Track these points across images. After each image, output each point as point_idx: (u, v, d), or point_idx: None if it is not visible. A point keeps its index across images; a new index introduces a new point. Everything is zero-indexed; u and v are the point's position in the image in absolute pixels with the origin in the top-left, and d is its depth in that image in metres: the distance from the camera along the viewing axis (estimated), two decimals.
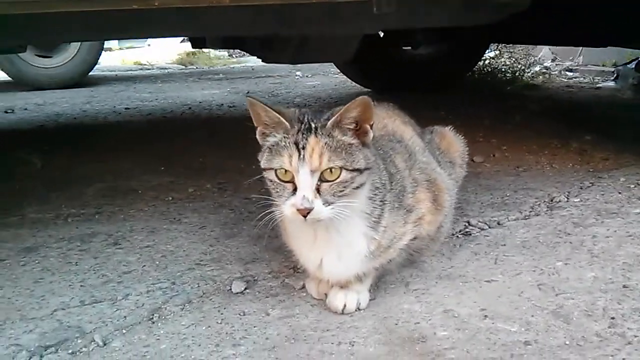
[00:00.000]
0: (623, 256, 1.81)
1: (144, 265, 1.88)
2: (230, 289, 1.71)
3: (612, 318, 1.46)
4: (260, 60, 3.95)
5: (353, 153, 1.38)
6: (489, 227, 2.11)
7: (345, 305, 1.54)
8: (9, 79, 6.68)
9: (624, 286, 1.62)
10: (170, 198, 2.54)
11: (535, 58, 7.19)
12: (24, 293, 1.72)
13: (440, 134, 1.99)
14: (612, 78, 5.74)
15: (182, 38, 14.19)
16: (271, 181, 1.39)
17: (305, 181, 1.33)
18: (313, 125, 1.37)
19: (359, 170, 1.38)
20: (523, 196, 2.43)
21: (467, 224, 2.12)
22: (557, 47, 7.27)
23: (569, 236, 1.99)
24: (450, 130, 2.02)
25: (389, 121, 1.78)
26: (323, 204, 1.34)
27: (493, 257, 1.85)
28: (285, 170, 1.36)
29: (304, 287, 1.70)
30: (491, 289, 1.65)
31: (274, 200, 1.42)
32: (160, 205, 2.46)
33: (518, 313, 1.51)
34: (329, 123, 1.36)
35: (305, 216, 1.33)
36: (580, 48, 6.91)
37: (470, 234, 2.05)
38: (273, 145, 1.39)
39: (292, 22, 2.15)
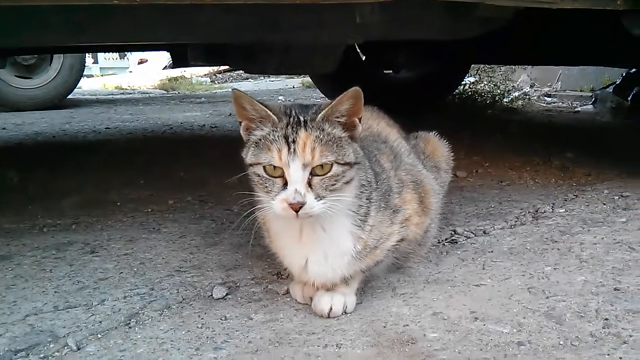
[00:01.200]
0: (612, 261, 1.78)
1: (122, 272, 1.81)
2: (211, 295, 1.65)
3: (606, 319, 1.42)
4: (241, 84, 3.92)
5: (343, 147, 1.35)
6: (475, 236, 2.08)
7: (331, 308, 1.48)
8: None
9: (615, 289, 1.59)
10: (150, 210, 2.48)
11: (514, 84, 7.29)
12: None
13: (424, 139, 1.97)
14: (591, 102, 5.82)
15: (164, 65, 14.27)
16: (259, 176, 1.35)
17: (297, 175, 1.29)
18: (302, 119, 1.34)
19: (350, 164, 1.35)
20: (508, 207, 2.41)
21: (453, 233, 2.09)
22: (535, 73, 7.39)
23: (556, 243, 1.96)
24: (434, 135, 2.00)
25: (374, 122, 1.76)
26: (315, 199, 1.30)
27: (481, 263, 1.82)
28: (274, 166, 1.32)
29: (288, 292, 1.64)
30: (480, 293, 1.61)
31: (261, 197, 1.38)
32: (139, 216, 2.39)
33: (509, 315, 1.47)
34: (319, 116, 1.34)
35: (297, 211, 1.29)
36: (559, 74, 7.03)
37: (456, 242, 2.02)
38: (260, 140, 1.35)
39: (275, 28, 2.13)
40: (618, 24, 2.62)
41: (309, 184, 1.31)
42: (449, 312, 1.49)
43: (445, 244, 2.01)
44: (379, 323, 1.45)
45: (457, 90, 5.86)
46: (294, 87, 9.27)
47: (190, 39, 2.60)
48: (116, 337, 1.43)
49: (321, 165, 1.31)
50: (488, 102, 5.81)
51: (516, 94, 6.62)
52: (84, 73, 7.40)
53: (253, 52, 2.62)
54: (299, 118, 1.34)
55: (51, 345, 1.40)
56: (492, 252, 1.91)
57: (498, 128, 4.46)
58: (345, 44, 2.62)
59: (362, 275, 1.54)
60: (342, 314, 1.50)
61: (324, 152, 1.31)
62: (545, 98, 6.70)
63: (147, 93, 9.45)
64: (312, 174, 1.31)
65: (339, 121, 1.36)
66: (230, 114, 5.88)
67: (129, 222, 2.32)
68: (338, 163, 1.33)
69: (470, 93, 6.07)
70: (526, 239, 2.02)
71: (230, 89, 9.31)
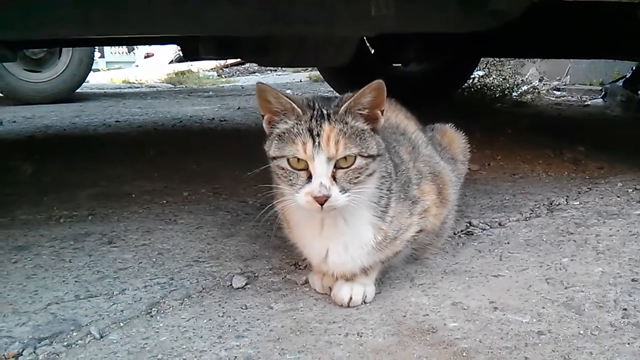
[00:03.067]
0: (628, 253, 1.79)
1: (141, 262, 1.83)
2: (231, 284, 1.66)
3: (624, 309, 1.43)
4: (249, 78, 3.93)
5: (366, 139, 1.36)
6: (491, 227, 2.09)
7: (351, 298, 1.50)
8: None
9: (633, 280, 1.59)
10: (165, 201, 2.49)
11: (523, 77, 7.27)
12: (16, 288, 1.65)
13: (440, 131, 1.98)
14: (601, 96, 5.79)
15: (170, 59, 14.29)
16: (282, 169, 1.35)
17: (322, 169, 1.30)
18: (325, 112, 1.34)
19: (372, 157, 1.36)
20: (522, 200, 2.42)
21: (468, 224, 2.10)
22: (544, 67, 7.38)
23: (572, 235, 1.97)
24: (450, 127, 2.01)
25: (392, 114, 1.76)
26: (340, 192, 1.31)
27: (498, 254, 1.82)
28: (299, 159, 1.32)
29: (306, 282, 1.65)
30: (499, 283, 1.61)
31: (283, 190, 1.39)
32: (155, 207, 2.41)
33: (528, 305, 1.47)
34: (341, 109, 1.34)
35: (322, 204, 1.30)
36: (568, 67, 7.01)
37: (472, 234, 2.03)
38: (284, 133, 1.36)
39: (289, 22, 2.13)
40: (632, 16, 2.62)
41: (333, 177, 1.31)
42: (468, 302, 1.50)
43: (461, 235, 2.01)
44: (399, 312, 1.46)
45: (466, 84, 5.85)
46: (301, 81, 9.27)
47: (202, 32, 2.61)
48: (138, 326, 1.45)
49: (345, 158, 1.32)
50: (497, 95, 5.80)
51: (525, 87, 6.60)
52: (93, 62, 7.39)
53: (265, 45, 2.62)
54: (322, 111, 1.35)
55: (74, 334, 1.41)
56: (508, 243, 1.92)
57: (508, 122, 4.44)
58: (359, 38, 2.61)
59: (381, 265, 1.55)
60: (362, 303, 1.51)
61: (347, 144, 1.31)
62: (555, 92, 6.68)
63: (154, 87, 9.47)
64: (336, 166, 1.32)
65: (361, 113, 1.36)
66: (238, 108, 5.89)
67: (145, 213, 2.33)
68: (361, 156, 1.33)
69: (479, 87, 6.06)
70: (542, 230, 2.02)
71: (237, 83, 9.36)
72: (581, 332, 1.34)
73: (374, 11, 2.22)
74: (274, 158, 1.37)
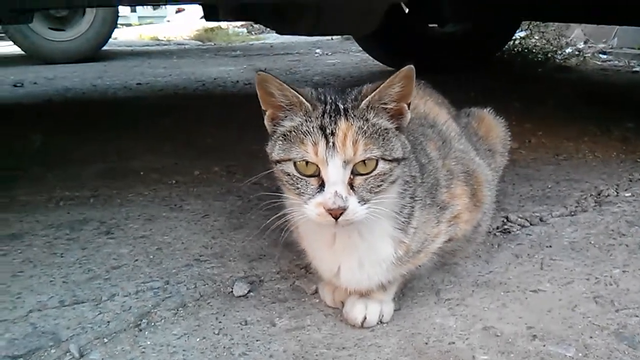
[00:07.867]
0: None
1: (136, 260, 1.66)
2: (232, 292, 1.48)
3: None
4: (279, 36, 3.66)
5: (390, 140, 1.13)
6: (531, 224, 1.85)
7: (365, 318, 1.30)
8: (23, 52, 6.48)
9: None
10: (174, 181, 2.31)
11: (567, 40, 6.82)
12: None
13: (477, 117, 1.73)
14: None
15: (201, 14, 14.01)
16: (288, 175, 1.13)
17: (337, 174, 1.08)
18: (342, 106, 1.12)
19: (397, 160, 1.13)
20: (566, 188, 2.17)
21: (505, 220, 1.87)
22: (590, 29, 6.90)
23: (624, 237, 1.73)
24: (489, 112, 1.75)
25: (420, 102, 1.52)
26: (358, 202, 1.09)
27: (538, 261, 1.60)
28: (307, 162, 1.11)
29: (317, 291, 1.46)
30: (539, 301, 1.40)
31: (291, 199, 1.17)
32: (162, 189, 2.23)
33: (573, 333, 1.26)
34: (363, 103, 1.12)
35: (336, 218, 1.08)
36: (615, 29, 6.53)
37: (509, 232, 1.80)
38: (290, 132, 1.14)
39: None
40: None
41: (351, 185, 1.10)
42: (502, 326, 1.29)
43: (497, 234, 1.79)
44: (420, 338, 1.26)
45: (506, 46, 5.48)
46: (332, 39, 8.91)
47: None
48: (124, 343, 1.28)
49: (364, 163, 1.10)
50: (539, 59, 5.43)
51: (569, 50, 6.18)
52: (122, 22, 7.23)
53: (282, 11, 2.37)
54: (337, 105, 1.13)
55: (52, 351, 1.26)
56: (550, 246, 1.69)
57: (550, 90, 4.14)
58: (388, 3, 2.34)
59: (401, 279, 1.35)
60: (378, 323, 1.32)
61: (368, 145, 1.09)
62: (601, 55, 6.23)
63: (182, 44, 9.29)
64: (354, 172, 1.10)
65: (386, 108, 1.14)
66: (265, 69, 5.64)
67: (150, 196, 2.16)
68: (385, 159, 1.11)
69: (520, 49, 5.68)
70: (589, 230, 1.78)
71: (266, 41, 9.08)
72: None
73: None
74: (278, 162, 1.15)
